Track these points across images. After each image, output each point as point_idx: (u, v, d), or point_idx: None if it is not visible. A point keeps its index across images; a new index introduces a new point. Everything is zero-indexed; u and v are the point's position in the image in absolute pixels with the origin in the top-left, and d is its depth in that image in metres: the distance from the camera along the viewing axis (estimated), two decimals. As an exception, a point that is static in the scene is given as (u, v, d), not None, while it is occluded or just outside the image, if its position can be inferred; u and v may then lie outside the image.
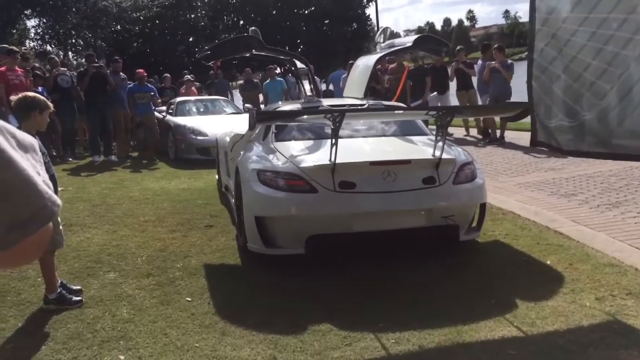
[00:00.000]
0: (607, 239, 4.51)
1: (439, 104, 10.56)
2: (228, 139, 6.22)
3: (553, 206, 5.66)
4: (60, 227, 3.54)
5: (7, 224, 0.66)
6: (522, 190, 6.46)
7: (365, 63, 5.78)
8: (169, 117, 10.87)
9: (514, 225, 5.11)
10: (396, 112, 4.55)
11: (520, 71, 12.72)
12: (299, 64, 5.72)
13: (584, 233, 4.71)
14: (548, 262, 4.10)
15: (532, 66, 3.06)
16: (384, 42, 5.88)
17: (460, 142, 10.53)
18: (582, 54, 2.81)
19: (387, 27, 6.13)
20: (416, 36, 5.78)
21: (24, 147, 0.70)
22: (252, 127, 3.89)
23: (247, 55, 5.70)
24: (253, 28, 5.63)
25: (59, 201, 0.72)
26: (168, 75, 13.34)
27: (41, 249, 0.76)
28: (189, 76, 13.75)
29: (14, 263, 0.77)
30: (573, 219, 5.15)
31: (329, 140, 3.92)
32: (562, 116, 3.07)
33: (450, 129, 12.17)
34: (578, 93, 2.96)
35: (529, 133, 10.97)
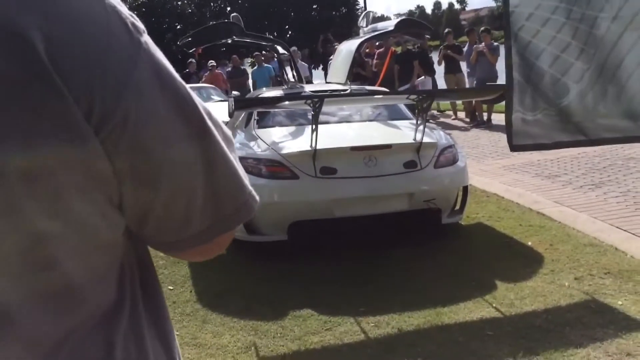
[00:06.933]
0: (588, 219, 4.54)
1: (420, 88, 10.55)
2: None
3: (537, 188, 5.69)
4: None
5: (209, 219, 0.64)
6: (507, 173, 6.49)
7: (347, 48, 5.75)
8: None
9: (498, 207, 5.13)
10: (376, 96, 4.54)
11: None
12: (281, 50, 5.69)
13: (566, 214, 4.74)
14: (529, 244, 4.13)
15: (510, 54, 2.94)
16: (366, 26, 5.84)
17: (447, 125, 10.54)
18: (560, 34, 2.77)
19: (369, 11, 6.09)
20: (397, 19, 5.76)
21: (227, 138, 0.67)
22: (230, 114, 3.87)
23: (229, 41, 5.66)
24: (234, 14, 5.58)
25: (257, 197, 0.69)
26: (193, 60, 13.12)
27: (225, 246, 0.72)
28: (212, 62, 13.46)
29: (199, 257, 0.74)
30: (556, 200, 5.18)
31: (311, 126, 3.91)
32: (544, 105, 3.01)
33: (438, 113, 12.23)
34: (554, 78, 2.91)
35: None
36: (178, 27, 27.88)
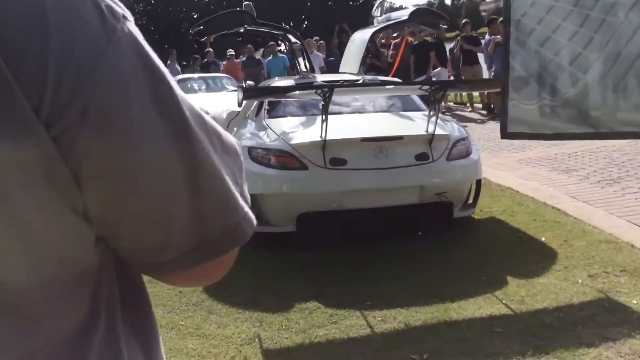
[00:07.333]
0: (604, 215, 4.43)
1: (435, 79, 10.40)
2: (225, 116, 6.16)
3: (553, 182, 5.58)
4: None
5: (192, 242, 0.56)
6: (523, 166, 6.38)
7: (361, 37, 5.66)
8: (170, 95, 10.79)
9: (512, 201, 5.04)
10: (387, 87, 4.46)
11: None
12: (293, 39, 5.63)
13: (582, 209, 4.63)
14: (543, 239, 4.04)
15: (509, 42, 2.86)
16: (380, 15, 5.75)
17: (463, 117, 10.39)
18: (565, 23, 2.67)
19: (383, 0, 6.00)
20: (412, 9, 5.66)
21: (227, 150, 0.58)
22: (239, 104, 3.83)
23: (241, 30, 5.60)
24: (246, 3, 5.52)
25: (254, 221, 0.60)
26: (211, 50, 13.04)
27: (223, 273, 0.64)
28: (231, 51, 13.37)
29: (190, 284, 0.67)
30: (572, 194, 5.07)
31: (321, 117, 3.86)
32: (545, 95, 2.91)
33: (455, 105, 12.06)
34: (560, 67, 2.81)
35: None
36: (195, 16, 27.86)
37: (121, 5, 0.52)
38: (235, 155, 0.60)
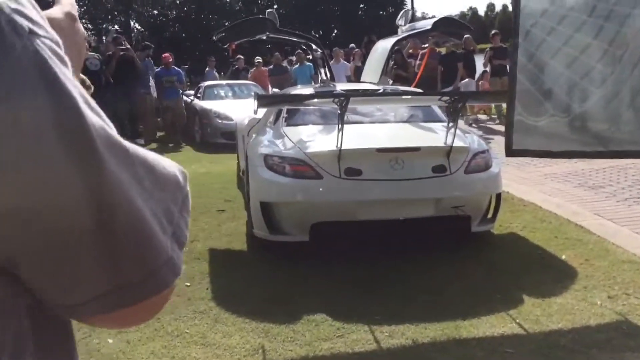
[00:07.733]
0: (630, 235, 4.28)
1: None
2: (246, 123, 6.17)
3: (578, 198, 5.42)
4: None
5: (103, 285, 0.51)
6: (547, 182, 6.22)
7: (383, 47, 5.61)
8: (196, 101, 10.91)
9: (534, 217, 4.90)
10: (404, 97, 4.39)
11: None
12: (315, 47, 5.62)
13: (606, 227, 4.48)
14: (563, 257, 3.91)
15: (517, 53, 2.70)
16: (405, 24, 5.69)
17: (491, 130, 10.22)
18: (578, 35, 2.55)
19: (408, 10, 5.94)
20: (436, 18, 5.59)
21: (161, 184, 0.54)
22: (254, 111, 3.83)
23: (264, 37, 5.62)
24: (270, 10, 5.53)
25: (180, 267, 0.55)
26: (241, 57, 13.17)
27: (151, 316, 0.59)
28: (259, 58, 13.39)
29: (114, 326, 0.62)
30: (597, 212, 4.91)
31: (337, 126, 3.82)
32: (553, 111, 2.80)
33: (482, 116, 11.85)
34: (571, 82, 2.68)
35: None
36: (226, 23, 28.20)
37: (34, 18, 0.48)
38: (175, 188, 0.56)
